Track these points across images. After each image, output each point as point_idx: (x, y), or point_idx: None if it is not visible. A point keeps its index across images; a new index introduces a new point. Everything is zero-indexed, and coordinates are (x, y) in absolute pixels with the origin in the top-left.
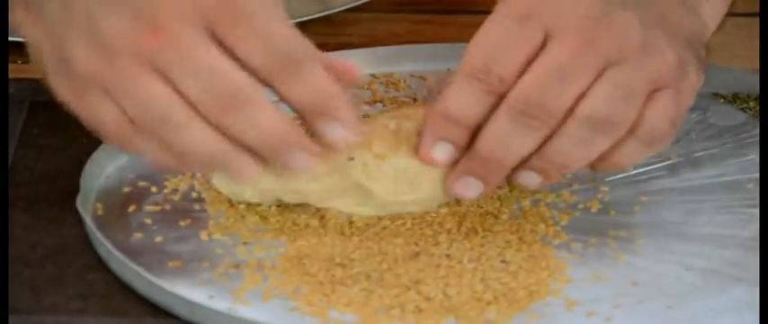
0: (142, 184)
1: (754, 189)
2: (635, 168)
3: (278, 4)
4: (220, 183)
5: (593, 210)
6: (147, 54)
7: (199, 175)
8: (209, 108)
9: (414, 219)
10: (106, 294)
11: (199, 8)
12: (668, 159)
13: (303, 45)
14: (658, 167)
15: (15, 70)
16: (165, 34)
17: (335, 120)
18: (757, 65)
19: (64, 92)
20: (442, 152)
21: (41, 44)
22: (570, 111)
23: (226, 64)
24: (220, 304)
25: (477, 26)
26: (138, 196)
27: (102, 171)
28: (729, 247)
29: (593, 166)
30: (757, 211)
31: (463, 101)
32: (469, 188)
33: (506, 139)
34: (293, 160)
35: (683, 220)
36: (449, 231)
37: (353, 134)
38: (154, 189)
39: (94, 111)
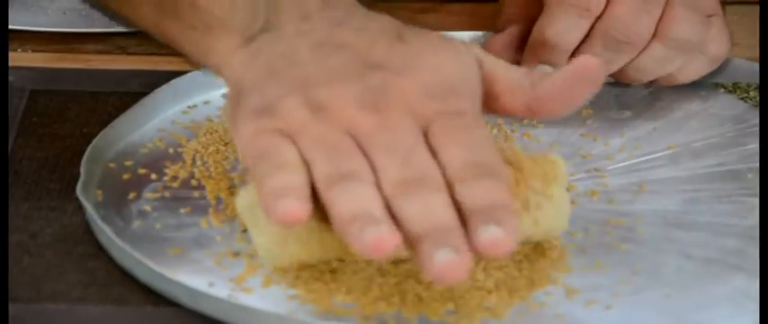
0: (142, 171)
1: (753, 178)
2: (635, 157)
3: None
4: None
5: (594, 198)
6: (358, 126)
7: (199, 163)
8: (390, 182)
9: None
10: (107, 283)
11: (424, 109)
12: (668, 149)
13: (500, 162)
14: (659, 156)
15: (15, 59)
16: (383, 118)
17: (499, 225)
18: (758, 53)
19: (246, 129)
20: None
21: (245, 82)
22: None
23: (425, 155)
24: (220, 291)
25: (480, 15)
26: (139, 184)
27: (102, 158)
28: (729, 236)
29: (655, 81)
30: (757, 200)
31: (560, 26)
32: None
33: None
34: (439, 257)
35: (682, 209)
36: None
37: (508, 243)
38: (154, 176)
39: (275, 151)
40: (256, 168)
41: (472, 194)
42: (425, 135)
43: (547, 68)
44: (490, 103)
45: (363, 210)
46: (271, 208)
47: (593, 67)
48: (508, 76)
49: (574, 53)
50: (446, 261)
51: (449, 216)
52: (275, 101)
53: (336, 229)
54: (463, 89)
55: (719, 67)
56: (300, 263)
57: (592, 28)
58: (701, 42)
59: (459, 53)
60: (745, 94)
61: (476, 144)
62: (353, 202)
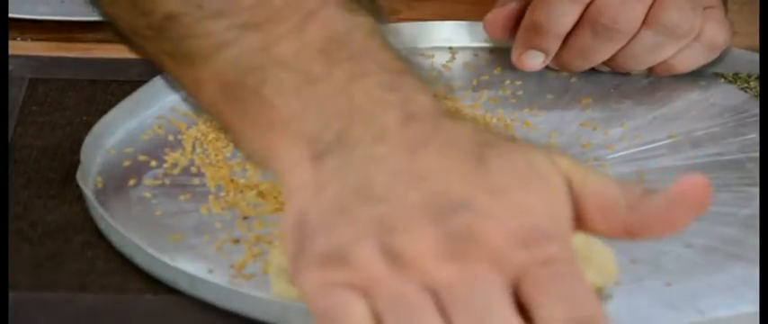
0: (142, 158)
1: (753, 168)
2: (635, 147)
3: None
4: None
5: None
6: (438, 279)
7: (198, 150)
8: None
9: None
10: (106, 271)
11: (510, 259)
12: (668, 138)
13: (600, 310)
14: (659, 146)
15: (15, 47)
16: (465, 270)
17: None
18: (758, 43)
19: (313, 278)
20: (534, 59)
21: (311, 217)
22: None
23: (508, 312)
24: (220, 278)
25: (481, 4)
26: (139, 170)
27: (102, 145)
28: (729, 225)
29: (652, 70)
30: (757, 189)
31: (551, 11)
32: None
33: (589, 50)
34: None
35: None
36: None
37: None
38: (154, 163)
39: (345, 310)
40: (322, 321)
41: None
42: (517, 287)
43: (538, 56)
44: (580, 223)
45: None
46: None
47: (699, 189)
48: (602, 195)
49: (566, 39)
50: None
51: None
52: (346, 247)
53: None
54: (556, 231)
55: (720, 56)
56: None
57: (582, 14)
58: (693, 30)
59: (549, 179)
60: (746, 84)
61: (574, 297)
62: None
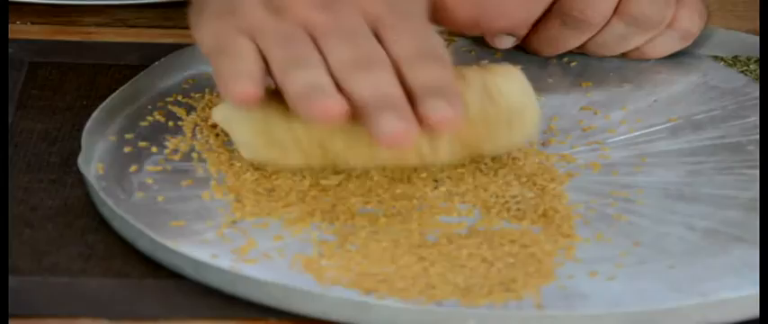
0: (143, 144)
1: (754, 150)
2: (636, 130)
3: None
4: (256, 145)
5: (595, 171)
6: (312, 22)
7: (199, 135)
8: (341, 63)
9: (430, 190)
10: (107, 256)
11: (374, 8)
12: (669, 121)
13: (445, 49)
14: (659, 129)
15: (15, 31)
16: (334, 12)
17: (445, 100)
18: (758, 26)
19: (208, 29)
20: (505, 41)
21: None
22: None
23: (372, 40)
24: (223, 262)
25: None
26: (139, 156)
27: (102, 132)
28: (730, 207)
29: (626, 55)
30: (757, 172)
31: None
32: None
33: (559, 39)
34: (388, 122)
35: (684, 181)
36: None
37: (455, 118)
38: (154, 149)
39: (233, 44)
40: (216, 60)
41: (418, 75)
42: (375, 32)
43: (509, 39)
44: (438, 14)
45: (314, 84)
46: (228, 90)
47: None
48: None
49: (537, 26)
50: (393, 126)
51: (396, 90)
52: (236, 2)
53: (291, 105)
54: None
55: (719, 40)
56: (279, 160)
57: (553, 3)
58: (664, 20)
59: None
60: (746, 68)
61: (422, 35)
62: (304, 79)
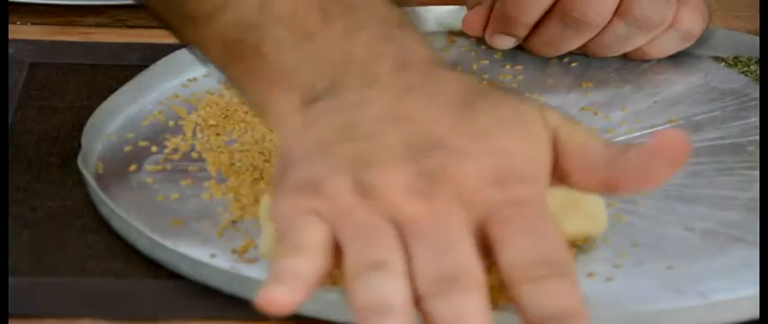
0: (143, 143)
1: (754, 151)
2: (636, 131)
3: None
4: None
5: None
6: (403, 214)
7: (199, 135)
8: (424, 273)
9: None
10: (107, 256)
11: (480, 199)
12: (669, 122)
13: (568, 254)
14: (660, 130)
15: (15, 31)
16: (434, 206)
17: None
18: (758, 26)
19: (285, 204)
20: (504, 41)
21: (294, 152)
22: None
23: (468, 248)
24: (222, 263)
25: None
26: (139, 155)
27: (102, 131)
28: (730, 208)
29: (626, 55)
30: (757, 173)
31: (521, 2)
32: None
33: (559, 40)
34: None
35: (684, 181)
36: None
37: None
38: (154, 149)
39: (301, 231)
40: (279, 246)
41: (541, 298)
42: (485, 229)
43: (509, 40)
44: (561, 178)
45: (384, 298)
46: (265, 289)
47: (679, 144)
48: (585, 151)
49: (538, 27)
50: None
51: (479, 320)
52: (320, 179)
53: (352, 313)
54: (531, 174)
55: (720, 40)
56: None
57: (554, 4)
58: (665, 20)
59: (533, 127)
60: (746, 68)
61: (542, 237)
62: (377, 289)
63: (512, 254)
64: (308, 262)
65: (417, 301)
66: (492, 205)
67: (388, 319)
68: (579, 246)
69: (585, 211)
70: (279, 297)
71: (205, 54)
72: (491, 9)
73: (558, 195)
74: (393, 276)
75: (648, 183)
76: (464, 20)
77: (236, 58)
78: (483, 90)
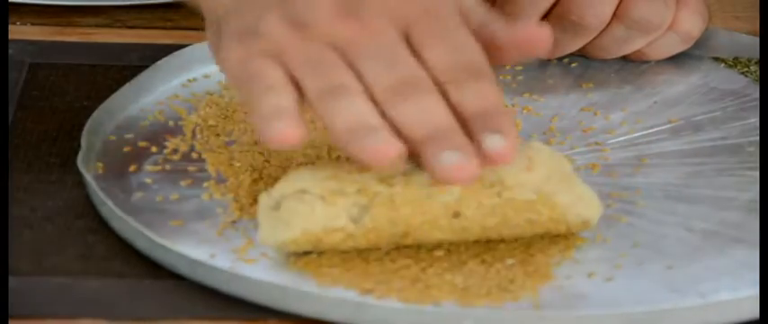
0: (143, 143)
1: (754, 152)
2: (636, 131)
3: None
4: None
5: (595, 171)
6: (340, 37)
7: (199, 136)
8: (381, 89)
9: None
10: (107, 256)
11: (402, 12)
12: (669, 122)
13: (485, 60)
14: (660, 130)
15: (15, 31)
16: (364, 24)
17: (499, 132)
18: (757, 27)
19: (232, 54)
20: None
21: (222, 7)
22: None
23: (410, 58)
24: (222, 263)
25: None
26: (139, 156)
27: (102, 131)
28: (730, 208)
29: (627, 57)
30: (757, 173)
31: (519, 4)
32: None
33: (558, 43)
34: (448, 158)
35: (684, 182)
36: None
37: (512, 151)
38: (154, 149)
39: (262, 74)
40: (245, 92)
41: (467, 97)
42: (407, 39)
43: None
44: None
45: (359, 120)
46: (266, 133)
47: (540, 37)
48: (473, 7)
49: None
50: (453, 162)
51: (447, 118)
52: (256, 22)
53: (335, 143)
54: None
55: (720, 41)
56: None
57: (552, 7)
58: (664, 23)
59: None
60: (746, 69)
61: (460, 44)
62: (348, 113)
63: (436, 60)
64: (287, 96)
65: (381, 112)
66: (413, 17)
67: (374, 135)
68: (579, 243)
69: (579, 193)
70: (286, 131)
71: None
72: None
73: (554, 176)
74: (357, 96)
75: (505, 59)
76: None
77: None
78: None
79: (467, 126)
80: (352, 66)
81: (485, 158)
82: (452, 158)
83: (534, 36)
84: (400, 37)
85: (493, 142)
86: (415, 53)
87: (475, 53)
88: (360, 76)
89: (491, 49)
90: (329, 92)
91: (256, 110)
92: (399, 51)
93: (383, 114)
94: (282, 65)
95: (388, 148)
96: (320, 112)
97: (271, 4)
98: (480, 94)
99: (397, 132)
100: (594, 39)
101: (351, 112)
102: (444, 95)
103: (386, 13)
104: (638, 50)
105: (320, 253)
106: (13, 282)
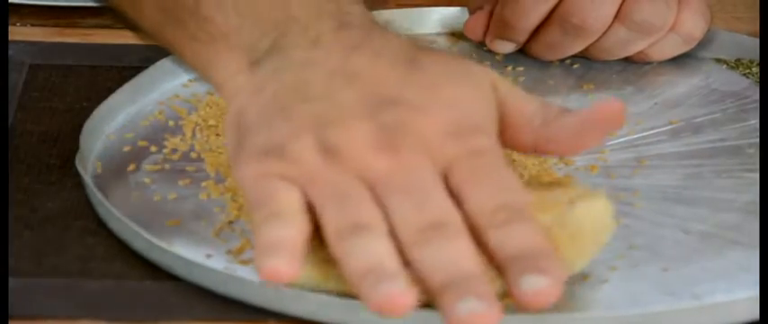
0: (142, 143)
1: (754, 154)
2: (635, 132)
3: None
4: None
5: (593, 173)
6: (371, 170)
7: (199, 136)
8: (407, 229)
9: None
10: (107, 257)
11: (442, 150)
12: (669, 124)
13: (526, 197)
14: (659, 132)
15: (14, 32)
16: (400, 159)
17: (543, 273)
18: (758, 28)
19: (250, 170)
20: (505, 46)
21: (250, 115)
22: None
23: (444, 198)
24: (217, 263)
25: None
26: (138, 155)
27: (102, 131)
28: (728, 210)
29: (629, 58)
30: (757, 175)
31: (518, 8)
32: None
33: (560, 45)
34: (466, 307)
35: (682, 184)
36: None
37: (554, 293)
38: (153, 149)
39: (275, 197)
40: (256, 214)
41: (508, 240)
42: (446, 178)
43: (509, 45)
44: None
45: (376, 263)
46: (260, 263)
47: (614, 112)
48: (521, 109)
49: (538, 32)
50: (471, 312)
51: (470, 263)
52: (283, 142)
53: (351, 286)
54: (483, 124)
55: (722, 42)
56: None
57: (553, 10)
58: (666, 24)
59: (478, 83)
60: (748, 70)
61: (503, 185)
62: (365, 254)
63: (476, 202)
64: (293, 227)
65: (403, 255)
66: (454, 156)
67: (388, 282)
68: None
69: (592, 235)
70: (280, 268)
71: (138, 18)
72: (492, 14)
73: (570, 226)
74: (378, 237)
75: (578, 147)
76: (466, 24)
77: (174, 23)
78: (424, 47)
79: (505, 271)
80: (380, 202)
81: (522, 301)
82: (467, 307)
83: (611, 110)
84: (438, 175)
85: (531, 283)
86: (453, 194)
87: (518, 194)
88: (387, 215)
89: (566, 138)
90: (350, 229)
91: (258, 236)
92: (433, 190)
93: (406, 258)
94: (302, 191)
95: (401, 297)
96: (336, 250)
97: (304, 126)
98: (522, 239)
99: (417, 277)
100: (596, 41)
101: (369, 254)
102: (483, 240)
103: (426, 150)
104: (641, 51)
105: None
106: (12, 283)
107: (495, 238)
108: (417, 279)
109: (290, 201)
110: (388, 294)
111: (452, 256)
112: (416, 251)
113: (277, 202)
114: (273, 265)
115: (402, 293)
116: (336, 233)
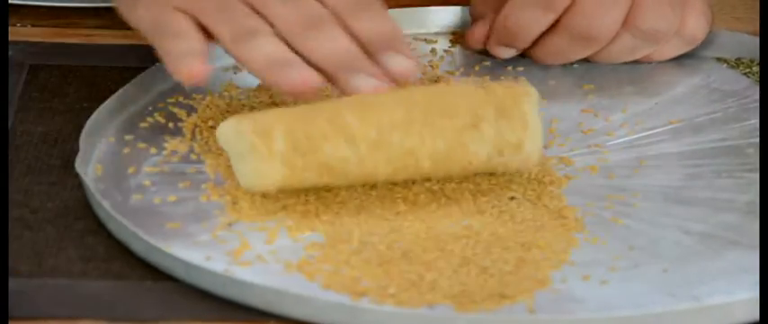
0: (142, 145)
1: (754, 154)
2: (636, 133)
3: None
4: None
5: (593, 173)
6: None
7: (198, 137)
8: (289, 26)
9: (425, 193)
10: (107, 258)
11: None
12: (670, 124)
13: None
14: (659, 132)
15: (15, 33)
16: None
17: (399, 53)
18: (757, 27)
19: (146, 13)
20: (506, 52)
21: None
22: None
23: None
24: (217, 265)
25: None
26: (138, 158)
27: (101, 133)
28: (728, 211)
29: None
30: (757, 175)
31: (521, 18)
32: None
33: (566, 52)
34: (357, 80)
35: (682, 184)
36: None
37: (414, 67)
38: (153, 150)
39: (173, 24)
40: (158, 42)
41: (365, 27)
42: None
43: (510, 51)
44: None
45: (275, 56)
46: (177, 71)
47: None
48: None
49: (542, 39)
50: (364, 84)
51: (353, 46)
52: None
53: (258, 78)
54: None
55: (723, 41)
56: (280, 188)
57: (559, 19)
58: (672, 29)
59: None
60: (748, 70)
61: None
62: (263, 50)
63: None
64: (194, 40)
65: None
66: None
67: (294, 68)
68: (575, 246)
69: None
70: (193, 68)
71: None
72: (493, 22)
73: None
74: (269, 36)
75: None
76: (467, 34)
77: None
78: None
79: (367, 50)
80: (259, 12)
81: (389, 77)
82: (364, 82)
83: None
84: None
85: (396, 61)
86: None
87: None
88: (267, 20)
89: None
90: (242, 35)
91: (168, 54)
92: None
93: (294, 50)
94: (193, 16)
95: (307, 78)
96: (237, 54)
97: None
98: (377, 24)
99: (309, 64)
100: (602, 48)
101: (266, 50)
102: (344, 28)
103: None
104: (646, 56)
105: (315, 254)
106: (12, 283)
107: (356, 26)
108: (311, 66)
109: (186, 23)
110: (299, 76)
111: (333, 40)
112: (302, 43)
113: (176, 27)
114: (189, 66)
115: (310, 75)
116: (232, 40)
